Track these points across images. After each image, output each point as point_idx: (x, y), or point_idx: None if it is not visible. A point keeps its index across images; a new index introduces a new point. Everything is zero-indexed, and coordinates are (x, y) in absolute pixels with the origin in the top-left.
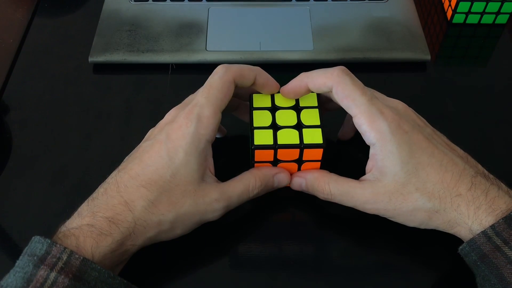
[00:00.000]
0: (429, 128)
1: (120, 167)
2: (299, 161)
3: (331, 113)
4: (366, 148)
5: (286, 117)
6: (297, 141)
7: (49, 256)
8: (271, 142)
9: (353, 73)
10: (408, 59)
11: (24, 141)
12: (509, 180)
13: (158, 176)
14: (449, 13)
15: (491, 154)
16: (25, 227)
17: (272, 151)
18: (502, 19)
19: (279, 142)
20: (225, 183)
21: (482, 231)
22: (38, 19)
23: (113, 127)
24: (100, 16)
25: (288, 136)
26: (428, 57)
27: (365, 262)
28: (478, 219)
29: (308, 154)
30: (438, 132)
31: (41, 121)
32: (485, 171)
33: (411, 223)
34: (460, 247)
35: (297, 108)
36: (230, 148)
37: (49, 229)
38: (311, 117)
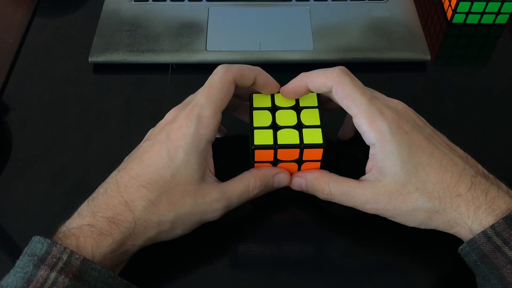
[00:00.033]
0: (429, 128)
1: (120, 167)
2: (299, 161)
3: (331, 113)
4: (366, 148)
5: (286, 117)
6: (297, 141)
7: (49, 256)
8: (271, 142)
9: (353, 73)
10: (408, 59)
11: (24, 141)
12: (509, 180)
13: (158, 176)
14: (449, 13)
15: (491, 154)
16: (25, 227)
17: (272, 151)
18: (502, 19)
19: (279, 142)
20: (225, 183)
21: (482, 231)
22: (38, 19)
23: (113, 127)
24: (100, 16)
25: (288, 136)
26: (428, 57)
27: (365, 262)
28: (478, 219)
29: (308, 154)
30: (438, 132)
31: (41, 121)
32: (485, 171)
33: (411, 223)
34: (460, 247)
35: (297, 108)
36: (230, 148)
37: (49, 229)
38: (311, 117)
